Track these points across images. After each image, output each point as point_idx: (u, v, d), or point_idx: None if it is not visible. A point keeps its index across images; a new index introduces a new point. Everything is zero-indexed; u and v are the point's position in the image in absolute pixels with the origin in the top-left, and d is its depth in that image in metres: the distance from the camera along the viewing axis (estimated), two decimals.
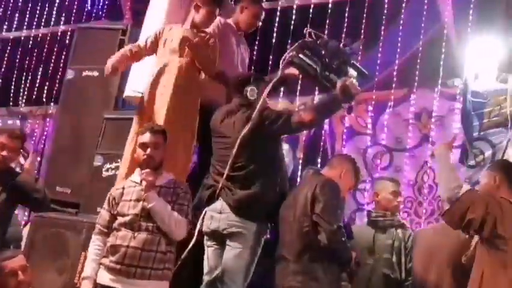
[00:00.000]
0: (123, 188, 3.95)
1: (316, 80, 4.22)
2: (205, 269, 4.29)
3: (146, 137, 3.95)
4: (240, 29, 5.13)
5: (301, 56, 4.17)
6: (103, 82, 5.37)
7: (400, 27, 6.69)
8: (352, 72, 4.20)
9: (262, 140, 4.21)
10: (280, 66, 4.29)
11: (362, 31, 6.71)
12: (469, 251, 3.96)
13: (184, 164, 4.68)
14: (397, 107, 6.41)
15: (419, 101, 6.32)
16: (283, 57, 4.26)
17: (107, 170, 5.07)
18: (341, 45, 4.24)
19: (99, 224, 3.95)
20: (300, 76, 4.58)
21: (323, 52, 4.17)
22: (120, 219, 3.83)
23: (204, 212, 4.27)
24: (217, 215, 4.20)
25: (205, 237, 4.29)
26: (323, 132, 6.63)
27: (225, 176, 4.20)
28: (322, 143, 6.59)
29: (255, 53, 6.13)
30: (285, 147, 6.67)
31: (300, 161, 6.58)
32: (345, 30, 6.62)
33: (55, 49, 8.73)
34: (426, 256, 4.40)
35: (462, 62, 6.09)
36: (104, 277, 3.79)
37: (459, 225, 3.57)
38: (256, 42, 6.30)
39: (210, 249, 4.27)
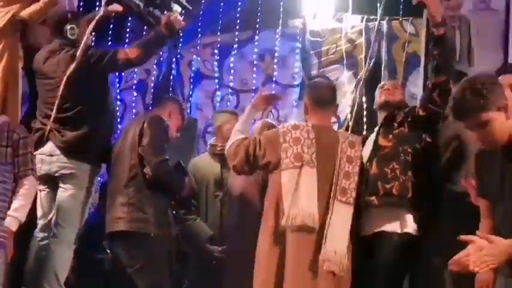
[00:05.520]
0: None
1: (140, 16, 4.23)
2: (39, 213, 4.23)
3: None
4: None
5: None
6: None
7: None
8: (177, 7, 4.23)
9: (88, 80, 4.15)
10: (103, 3, 4.24)
11: None
12: None
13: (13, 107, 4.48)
14: (241, 49, 6.46)
15: (263, 42, 6.40)
16: None
17: None
18: None
19: None
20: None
21: None
22: None
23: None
24: (48, 157, 4.14)
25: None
26: (171, 77, 6.60)
27: (52, 118, 4.13)
28: (170, 89, 6.56)
29: None
30: (134, 94, 6.65)
31: (150, 107, 6.52)
32: None
33: None
34: None
35: (301, 1, 6.23)
36: None
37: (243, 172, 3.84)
38: None
39: (42, 194, 4.21)
